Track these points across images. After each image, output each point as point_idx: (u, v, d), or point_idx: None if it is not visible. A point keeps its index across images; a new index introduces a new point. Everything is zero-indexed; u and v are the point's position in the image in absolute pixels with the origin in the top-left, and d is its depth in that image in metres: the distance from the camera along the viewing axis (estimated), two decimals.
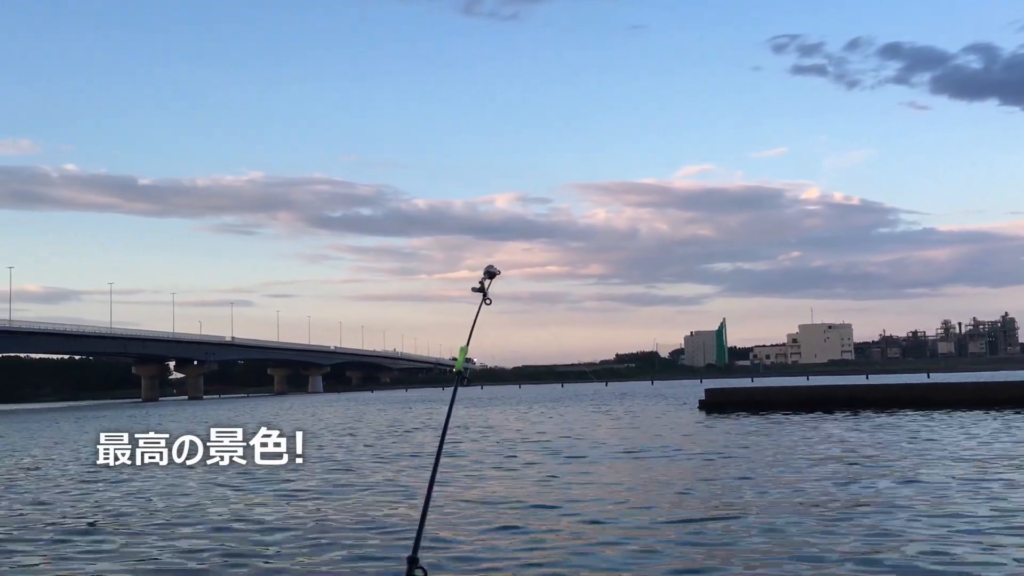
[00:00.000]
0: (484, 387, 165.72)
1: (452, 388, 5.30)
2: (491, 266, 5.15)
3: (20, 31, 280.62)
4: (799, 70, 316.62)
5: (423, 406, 73.98)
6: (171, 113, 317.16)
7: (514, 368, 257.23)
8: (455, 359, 5.14)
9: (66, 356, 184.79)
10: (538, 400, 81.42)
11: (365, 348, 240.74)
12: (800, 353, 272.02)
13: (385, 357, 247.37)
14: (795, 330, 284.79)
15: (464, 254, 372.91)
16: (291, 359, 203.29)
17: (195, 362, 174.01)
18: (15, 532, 13.92)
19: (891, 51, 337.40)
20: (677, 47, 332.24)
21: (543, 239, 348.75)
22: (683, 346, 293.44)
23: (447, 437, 4.77)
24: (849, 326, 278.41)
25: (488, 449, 27.41)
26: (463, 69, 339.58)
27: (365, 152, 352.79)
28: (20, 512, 16.13)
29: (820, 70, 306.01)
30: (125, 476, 20.12)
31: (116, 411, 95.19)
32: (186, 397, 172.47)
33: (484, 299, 5.14)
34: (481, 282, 5.09)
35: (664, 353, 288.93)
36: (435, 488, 4.97)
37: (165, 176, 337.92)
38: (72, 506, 16.72)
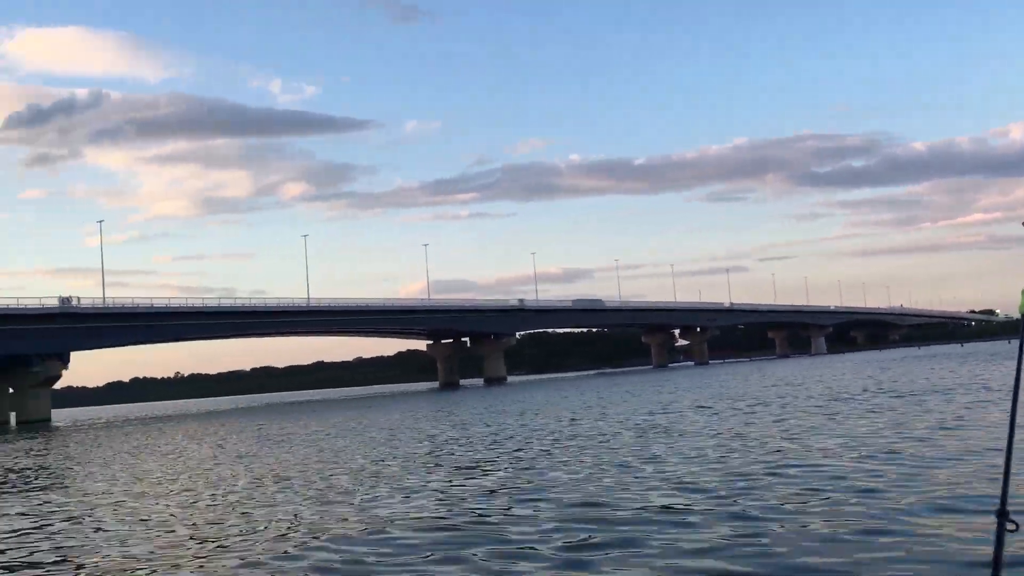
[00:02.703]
0: (1011, 341, 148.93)
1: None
2: None
3: (520, 47, 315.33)
4: None
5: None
6: (655, 95, 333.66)
7: None
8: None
9: (584, 329, 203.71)
10: None
11: (867, 306, 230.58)
12: None
13: (890, 314, 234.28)
14: None
15: (975, 196, 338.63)
16: (790, 320, 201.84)
17: (698, 329, 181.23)
18: None
19: None
20: None
21: None
22: None
23: None
24: None
25: None
26: None
27: (853, 100, 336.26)
28: None
29: None
30: None
31: (642, 376, 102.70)
32: (692, 363, 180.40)
33: None
34: None
35: None
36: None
37: (656, 154, 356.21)
38: None
